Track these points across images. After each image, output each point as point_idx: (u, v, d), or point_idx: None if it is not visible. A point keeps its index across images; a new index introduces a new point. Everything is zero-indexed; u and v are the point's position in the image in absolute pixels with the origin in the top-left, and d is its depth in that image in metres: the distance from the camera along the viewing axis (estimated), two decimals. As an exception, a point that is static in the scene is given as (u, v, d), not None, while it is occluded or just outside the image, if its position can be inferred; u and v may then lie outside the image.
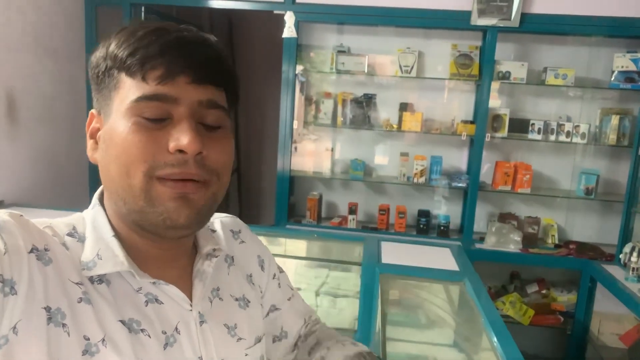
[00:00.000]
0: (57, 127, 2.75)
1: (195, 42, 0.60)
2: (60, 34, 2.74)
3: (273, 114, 3.04)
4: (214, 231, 0.80)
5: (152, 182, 0.58)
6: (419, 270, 1.95)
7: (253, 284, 0.80)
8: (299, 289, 2.35)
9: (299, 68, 3.03)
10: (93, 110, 0.65)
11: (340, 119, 3.10)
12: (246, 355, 0.72)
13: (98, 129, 0.64)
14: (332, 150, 3.22)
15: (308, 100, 3.17)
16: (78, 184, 2.91)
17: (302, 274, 2.48)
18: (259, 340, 0.76)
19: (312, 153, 3.24)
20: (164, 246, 0.65)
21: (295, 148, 3.16)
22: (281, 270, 0.89)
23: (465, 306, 1.81)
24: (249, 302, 0.76)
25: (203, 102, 0.60)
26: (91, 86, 0.64)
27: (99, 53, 0.62)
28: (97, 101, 0.64)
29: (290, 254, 2.59)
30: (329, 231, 3.02)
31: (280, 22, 2.75)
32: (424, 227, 3.09)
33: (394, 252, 2.14)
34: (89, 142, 0.65)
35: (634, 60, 2.74)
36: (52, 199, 2.70)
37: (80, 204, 0.66)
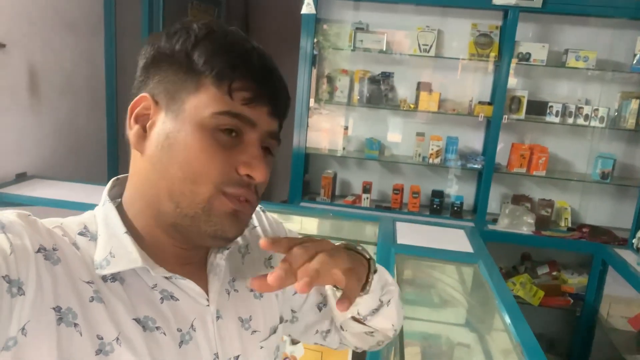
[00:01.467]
0: (77, 100, 2.78)
1: (278, 74, 0.64)
2: (80, 8, 2.74)
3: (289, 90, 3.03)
4: None
5: (218, 195, 0.60)
6: (434, 251, 1.97)
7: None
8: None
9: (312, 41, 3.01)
10: (146, 95, 0.62)
11: (356, 96, 3.09)
12: (261, 348, 0.71)
13: (147, 116, 0.62)
14: (346, 128, 3.23)
15: (320, 76, 3.16)
16: (96, 157, 2.95)
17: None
18: (274, 331, 0.75)
19: (327, 130, 3.24)
20: (189, 246, 0.65)
21: (308, 125, 3.16)
22: None
23: (479, 287, 1.84)
24: None
25: (272, 133, 0.64)
26: (145, 70, 0.62)
27: (178, 45, 0.60)
28: (154, 88, 0.61)
29: (305, 232, 2.63)
30: (344, 209, 3.05)
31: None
32: (438, 208, 3.11)
33: (409, 233, 2.17)
34: (135, 127, 0.62)
35: (658, 44, 2.70)
36: (72, 171, 2.75)
37: (98, 177, 0.67)
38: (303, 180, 3.15)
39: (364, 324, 0.81)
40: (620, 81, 2.93)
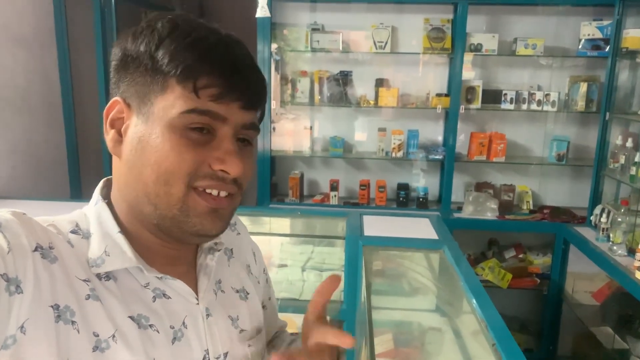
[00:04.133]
0: (33, 117, 2.73)
1: (248, 64, 0.62)
2: (30, 23, 2.69)
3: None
4: None
5: (190, 192, 0.59)
6: (400, 240, 2.02)
7: (252, 273, 0.82)
8: (285, 265, 2.41)
9: (273, 46, 3.03)
10: (118, 99, 0.62)
11: (317, 97, 3.13)
12: (249, 346, 0.73)
13: (121, 120, 0.62)
14: (311, 128, 3.26)
15: (284, 80, 3.19)
16: (57, 174, 2.89)
17: (288, 250, 2.54)
18: (259, 331, 0.77)
19: (292, 132, 3.26)
20: (176, 246, 0.66)
21: (274, 128, 3.18)
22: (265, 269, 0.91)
23: (446, 272, 1.90)
24: (248, 293, 0.77)
25: (247, 124, 0.63)
26: (116, 72, 0.62)
27: (142, 46, 0.59)
28: (125, 92, 0.61)
29: (275, 232, 2.64)
30: (311, 208, 3.08)
31: (252, 0, 2.74)
32: (404, 200, 3.17)
33: (375, 225, 2.21)
34: (110, 132, 0.62)
35: (600, 28, 2.82)
36: (34, 189, 2.69)
37: (60, 194, 0.67)
38: (270, 182, 3.16)
39: None
40: (568, 66, 3.05)
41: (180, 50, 0.58)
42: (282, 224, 2.67)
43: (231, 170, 0.60)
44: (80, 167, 3.03)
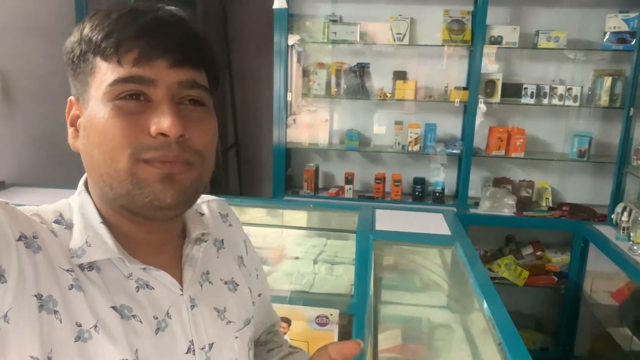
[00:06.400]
0: (53, 106, 2.77)
1: (171, 22, 0.59)
2: (50, 12, 2.73)
3: (270, 87, 3.05)
4: (202, 214, 0.79)
5: (138, 164, 0.58)
6: (411, 235, 1.99)
7: (244, 265, 0.81)
8: (297, 257, 2.41)
9: (295, 38, 3.02)
10: (72, 97, 0.64)
11: (334, 89, 3.11)
12: (236, 337, 0.72)
13: (78, 117, 0.63)
14: (329, 121, 3.24)
15: (305, 71, 3.17)
16: (76, 162, 2.93)
17: (301, 243, 2.54)
18: (247, 322, 0.76)
19: (310, 124, 3.26)
20: (154, 230, 0.65)
21: (294, 120, 3.18)
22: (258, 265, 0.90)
23: (457, 269, 1.87)
24: (238, 285, 0.76)
25: (183, 82, 0.59)
26: (68, 72, 0.63)
27: (73, 37, 0.61)
28: (75, 87, 0.63)
29: (289, 224, 2.64)
30: (325, 201, 3.07)
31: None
32: (420, 195, 3.13)
33: (388, 219, 2.19)
34: (70, 130, 0.64)
35: (626, 21, 2.73)
36: (52, 178, 2.74)
37: (78, 181, 0.67)
38: (285, 174, 3.16)
39: None
40: (592, 59, 2.97)
41: (96, 27, 0.58)
42: (296, 216, 2.67)
43: (168, 130, 0.57)
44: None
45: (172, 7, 0.62)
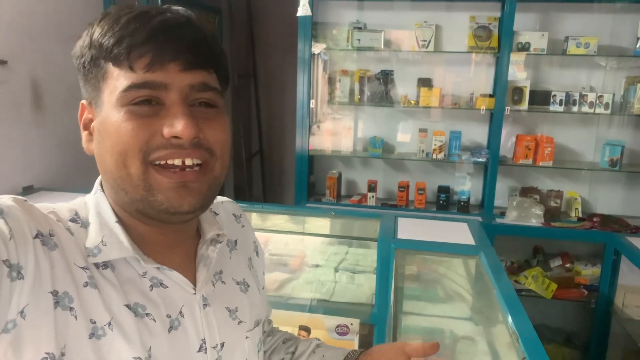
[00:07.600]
0: (81, 113, 2.83)
1: (180, 25, 0.60)
2: (80, 20, 2.79)
3: (295, 94, 3.06)
4: (216, 214, 0.80)
5: (149, 170, 0.58)
6: (434, 244, 1.95)
7: (252, 267, 0.82)
8: (318, 265, 2.39)
9: (321, 47, 3.02)
10: (84, 102, 0.65)
11: (357, 96, 3.09)
12: (247, 337, 0.73)
13: (91, 120, 0.64)
14: (353, 128, 3.22)
15: (330, 79, 3.17)
16: (104, 167, 2.99)
17: (323, 250, 2.52)
18: (258, 323, 0.77)
19: (333, 131, 3.25)
20: (168, 232, 0.66)
21: (318, 127, 3.17)
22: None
23: (481, 280, 1.82)
24: (249, 286, 0.77)
25: (194, 86, 0.60)
26: (78, 76, 0.64)
27: (82, 42, 0.62)
28: (86, 91, 0.64)
29: (310, 231, 2.63)
30: (347, 208, 3.04)
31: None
32: (444, 203, 3.08)
33: (410, 228, 2.15)
34: (84, 134, 0.65)
35: (661, 26, 2.64)
36: (79, 183, 2.79)
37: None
38: (308, 181, 3.15)
39: None
40: (625, 66, 2.88)
41: (106, 33, 0.58)
42: (318, 223, 2.66)
43: (181, 133, 0.57)
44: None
45: (179, 8, 0.62)
